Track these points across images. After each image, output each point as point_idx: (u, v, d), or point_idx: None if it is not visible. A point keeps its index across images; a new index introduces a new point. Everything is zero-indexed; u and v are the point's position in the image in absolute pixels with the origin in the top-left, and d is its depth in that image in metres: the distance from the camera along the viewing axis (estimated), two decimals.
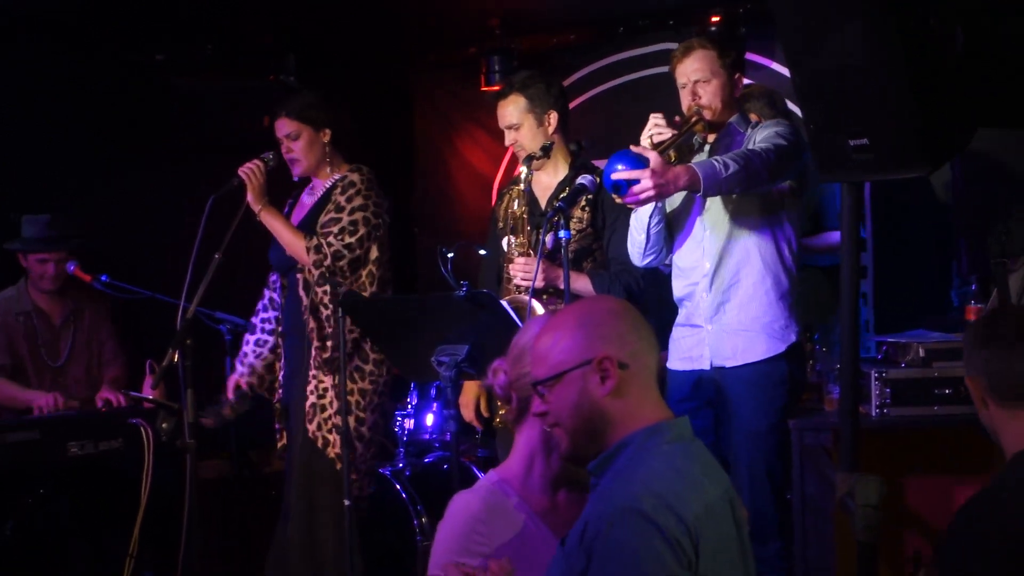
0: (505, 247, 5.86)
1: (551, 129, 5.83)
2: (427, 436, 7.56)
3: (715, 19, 8.16)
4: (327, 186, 6.20)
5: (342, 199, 6.05)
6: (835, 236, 6.37)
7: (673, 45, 8.42)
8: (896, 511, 5.16)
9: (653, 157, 4.78)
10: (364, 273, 6.05)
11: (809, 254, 5.72)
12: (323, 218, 6.05)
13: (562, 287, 5.34)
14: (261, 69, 8.89)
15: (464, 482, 6.79)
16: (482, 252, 6.33)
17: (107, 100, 8.17)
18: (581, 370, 3.15)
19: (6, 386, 6.85)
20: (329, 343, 5.95)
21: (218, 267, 5.63)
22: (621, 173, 4.80)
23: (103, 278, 6.92)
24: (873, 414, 5.25)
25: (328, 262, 5.92)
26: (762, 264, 5.29)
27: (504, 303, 4.80)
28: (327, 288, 5.94)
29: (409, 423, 7.53)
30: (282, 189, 6.30)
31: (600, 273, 5.68)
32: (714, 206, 5.33)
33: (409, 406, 7.58)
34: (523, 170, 5.79)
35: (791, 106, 6.77)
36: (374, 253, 6.05)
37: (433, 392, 7.59)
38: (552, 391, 3.20)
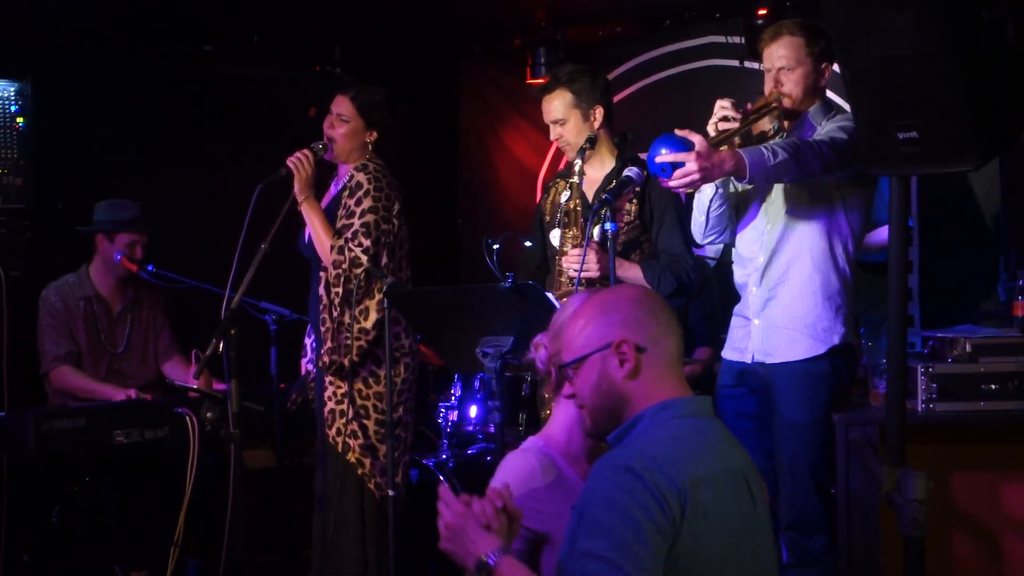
0: (555, 241, 5.84)
1: (597, 124, 5.80)
2: (470, 428, 7.55)
3: (762, 12, 8.10)
4: (345, 180, 6.17)
5: (351, 202, 6.01)
6: (886, 232, 6.33)
7: (720, 39, 8.47)
8: (941, 507, 5.13)
9: (698, 140, 4.73)
10: (375, 281, 5.97)
11: (862, 252, 5.68)
12: (338, 223, 6.03)
13: (618, 276, 5.36)
14: (308, 59, 8.90)
15: None
16: (528, 244, 6.31)
17: (153, 91, 8.21)
18: (601, 354, 3.33)
19: (78, 377, 6.90)
20: (339, 347, 5.96)
21: (264, 257, 5.65)
22: (665, 156, 4.75)
23: (149, 267, 6.95)
24: (919, 409, 5.23)
25: (346, 266, 5.91)
26: (811, 263, 5.25)
27: (550, 294, 4.80)
28: (340, 291, 5.93)
29: (453, 414, 7.52)
30: (328, 178, 6.31)
31: (651, 263, 5.67)
32: (776, 199, 5.30)
33: (453, 397, 7.57)
34: (577, 162, 5.76)
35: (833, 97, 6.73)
36: (383, 260, 6.00)
37: (477, 384, 7.58)
38: (577, 373, 3.38)
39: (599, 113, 5.80)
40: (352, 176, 6.08)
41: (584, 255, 5.36)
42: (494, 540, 3.25)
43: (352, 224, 5.96)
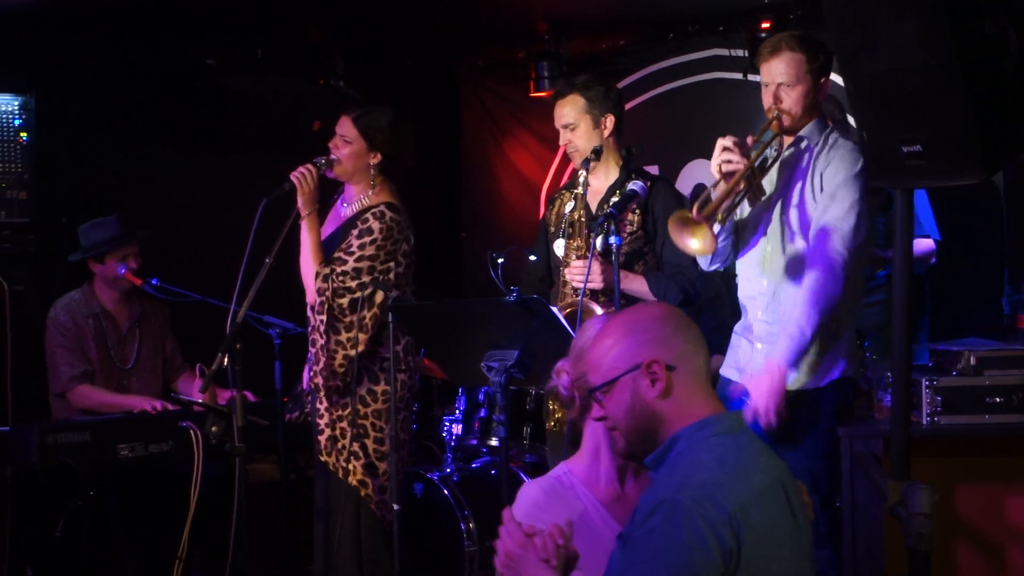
0: (560, 251, 5.84)
1: (606, 132, 5.81)
2: (475, 441, 7.55)
3: (765, 25, 8.10)
4: (356, 209, 6.11)
5: (355, 243, 5.93)
6: (915, 245, 6.32)
7: (723, 52, 8.46)
8: (946, 519, 5.13)
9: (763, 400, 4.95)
10: (368, 315, 5.91)
11: (882, 267, 5.66)
12: (337, 252, 5.98)
13: (623, 288, 5.38)
14: (311, 72, 8.91)
15: (512, 488, 6.82)
16: (532, 257, 6.32)
17: (157, 105, 8.22)
18: (632, 375, 3.31)
19: (98, 393, 6.91)
20: (327, 371, 5.95)
21: (268, 271, 5.65)
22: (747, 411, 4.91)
23: (153, 281, 6.95)
24: (924, 422, 5.23)
25: (328, 294, 5.89)
26: None
27: (554, 309, 4.80)
28: (324, 318, 5.91)
29: (457, 428, 7.52)
30: (333, 191, 6.31)
31: (656, 275, 5.68)
32: (777, 222, 5.23)
33: (457, 411, 7.57)
34: (581, 173, 5.77)
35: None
36: (379, 297, 5.91)
37: (481, 397, 7.58)
38: (608, 396, 3.37)
39: (610, 121, 5.81)
40: (367, 219, 5.98)
41: (589, 266, 5.37)
42: (551, 574, 3.25)
43: (346, 261, 5.90)
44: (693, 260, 5.64)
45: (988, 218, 7.03)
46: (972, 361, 5.29)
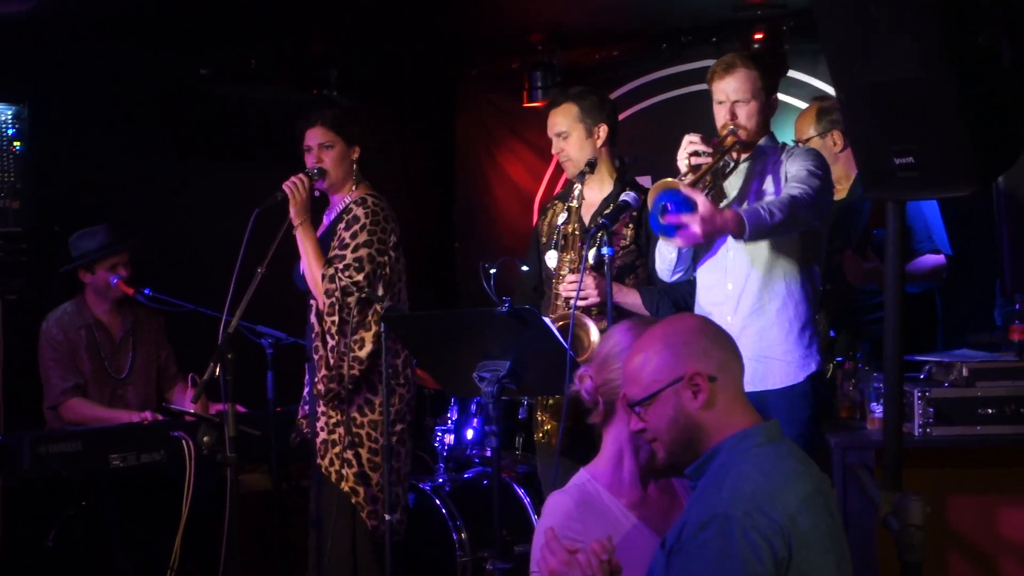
0: (551, 263, 5.84)
1: (599, 142, 5.83)
2: (467, 451, 7.56)
3: (758, 36, 8.13)
4: (339, 209, 6.16)
5: (346, 235, 6.00)
6: (924, 261, 6.35)
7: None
8: (938, 531, 5.13)
9: (701, 202, 4.73)
10: (370, 312, 5.98)
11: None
12: (331, 252, 6.02)
13: (615, 301, 5.40)
14: (305, 82, 8.91)
15: (504, 498, 6.83)
16: (524, 268, 6.32)
17: (150, 115, 8.22)
18: (674, 387, 3.34)
19: (89, 407, 6.92)
20: (334, 374, 5.95)
21: (261, 281, 5.65)
22: (671, 218, 4.77)
23: (146, 291, 6.95)
24: (916, 433, 5.22)
25: (338, 295, 5.91)
26: (786, 292, 5.28)
27: (547, 320, 4.80)
28: (335, 319, 5.92)
29: (449, 438, 7.53)
30: (324, 202, 6.31)
31: (650, 289, 5.69)
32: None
33: (449, 421, 7.58)
34: (576, 186, 5.79)
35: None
36: (379, 291, 5.99)
37: (474, 407, 7.58)
38: (648, 409, 3.39)
39: (603, 131, 5.83)
40: (350, 209, 6.06)
41: (581, 280, 5.37)
42: None
43: (344, 256, 5.95)
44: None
45: (979, 229, 7.01)
46: (964, 372, 5.28)
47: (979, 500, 5.32)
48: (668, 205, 4.78)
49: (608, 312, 5.13)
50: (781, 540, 3.07)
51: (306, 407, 6.17)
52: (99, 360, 7.02)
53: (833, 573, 3.19)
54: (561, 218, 5.82)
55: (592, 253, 5.44)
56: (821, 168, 5.21)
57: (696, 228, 4.70)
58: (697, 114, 8.56)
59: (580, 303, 5.51)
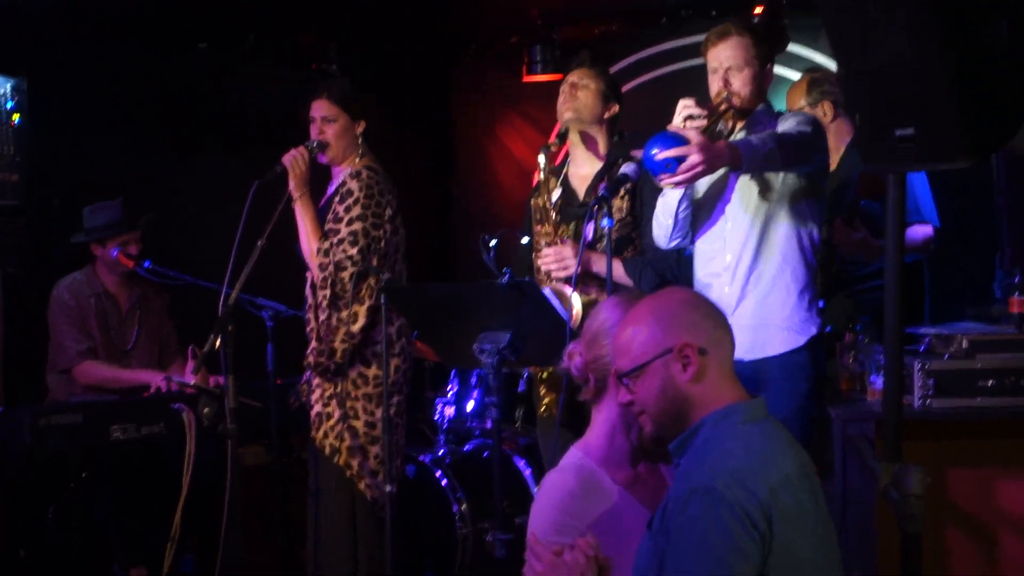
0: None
1: (606, 116, 5.82)
2: (467, 424, 7.57)
3: (758, 10, 8.12)
4: (339, 182, 6.17)
5: (340, 208, 5.99)
6: (915, 232, 6.35)
7: None
8: (938, 503, 5.14)
9: (694, 134, 4.75)
10: (364, 286, 5.98)
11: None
12: (326, 226, 6.03)
13: (593, 271, 5.49)
14: (303, 59, 8.91)
15: (504, 470, 6.83)
16: (524, 240, 6.32)
17: (149, 88, 8.21)
18: (663, 359, 3.32)
19: (104, 368, 6.92)
20: (324, 348, 5.96)
21: (261, 254, 5.65)
22: (667, 152, 4.76)
23: (146, 264, 6.95)
24: (916, 405, 5.23)
25: (331, 268, 5.91)
26: (781, 257, 5.27)
27: (547, 291, 4.81)
28: (327, 293, 5.93)
29: (449, 410, 7.54)
30: (325, 176, 6.30)
31: (634, 259, 5.68)
32: (736, 198, 5.31)
33: (449, 393, 7.59)
34: (541, 158, 5.79)
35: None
36: (373, 263, 6.00)
37: (474, 380, 7.59)
38: (637, 382, 3.37)
39: (613, 109, 5.83)
40: (345, 182, 6.06)
41: (580, 253, 5.37)
42: None
43: (339, 230, 5.95)
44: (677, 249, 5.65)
45: (979, 202, 7.03)
46: (964, 344, 5.29)
47: (978, 472, 5.33)
48: (658, 149, 4.79)
49: (608, 284, 5.13)
50: (761, 515, 3.06)
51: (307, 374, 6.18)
52: (106, 330, 7.03)
53: (815, 551, 3.18)
54: (556, 194, 5.82)
55: (589, 227, 5.44)
56: (812, 124, 5.21)
57: (695, 156, 4.71)
58: (696, 88, 8.51)
59: (561, 273, 5.55)
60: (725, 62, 5.29)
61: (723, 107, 5.23)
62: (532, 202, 5.98)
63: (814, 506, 3.21)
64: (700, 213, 5.43)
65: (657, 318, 3.36)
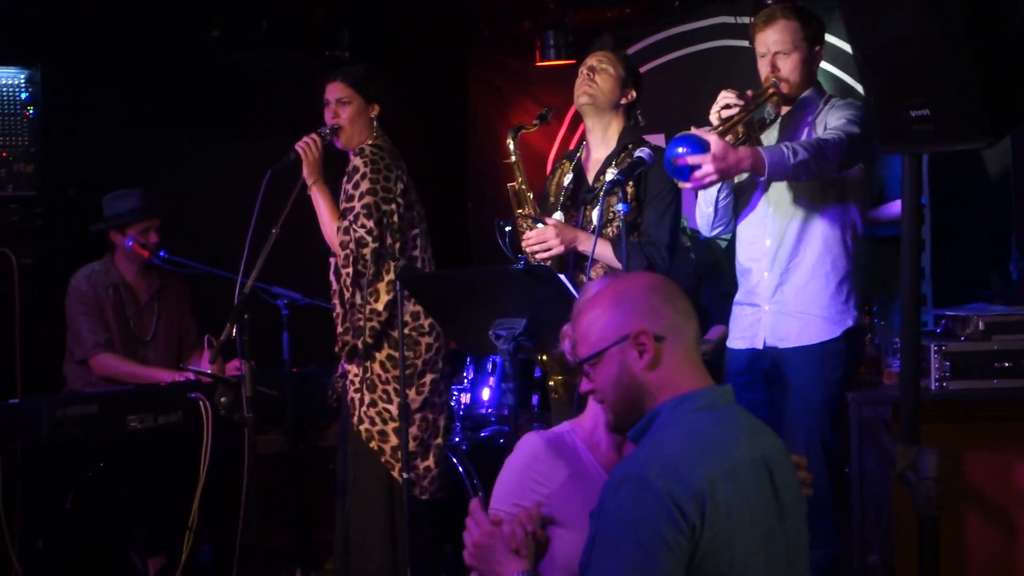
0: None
1: (623, 101, 5.79)
2: (483, 410, 7.56)
3: None
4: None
5: (349, 186, 5.97)
6: (897, 206, 6.32)
7: (729, 19, 8.44)
8: (955, 485, 5.13)
9: (714, 141, 4.74)
10: (382, 265, 5.95)
11: (871, 226, 5.67)
12: (342, 204, 6.01)
13: (579, 249, 5.51)
14: (316, 45, 8.90)
15: None
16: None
17: (163, 77, 8.20)
18: (619, 346, 3.23)
19: (121, 362, 6.95)
20: (349, 327, 5.96)
21: (275, 242, 5.65)
22: (683, 158, 4.77)
23: (162, 253, 6.97)
24: (932, 387, 5.23)
25: (353, 246, 5.89)
26: (823, 246, 5.25)
27: (562, 276, 4.80)
28: (350, 271, 5.91)
29: (465, 397, 7.54)
30: (342, 163, 6.29)
31: (626, 243, 5.65)
32: (778, 185, 5.29)
33: (466, 380, 7.59)
34: (510, 141, 5.84)
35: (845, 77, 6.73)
36: (387, 240, 5.95)
37: (489, 366, 7.58)
38: (596, 368, 3.29)
39: (631, 95, 5.80)
40: (350, 162, 6.05)
41: (596, 237, 5.36)
42: (520, 563, 3.25)
43: (353, 207, 5.92)
44: (671, 235, 5.61)
45: (996, 183, 7.01)
46: (981, 326, 5.28)
47: (995, 454, 5.33)
48: (683, 150, 4.79)
49: (624, 262, 5.13)
50: (694, 506, 2.95)
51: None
52: (124, 320, 7.06)
53: (757, 547, 3.06)
54: (568, 178, 5.81)
55: (596, 212, 5.44)
56: (862, 119, 5.12)
57: (708, 167, 4.71)
58: (710, 71, 8.59)
59: (543, 255, 5.53)
60: (773, 47, 5.27)
61: (769, 91, 5.21)
62: (509, 186, 5.96)
63: (764, 500, 3.11)
64: (742, 198, 5.43)
65: (616, 303, 3.28)
